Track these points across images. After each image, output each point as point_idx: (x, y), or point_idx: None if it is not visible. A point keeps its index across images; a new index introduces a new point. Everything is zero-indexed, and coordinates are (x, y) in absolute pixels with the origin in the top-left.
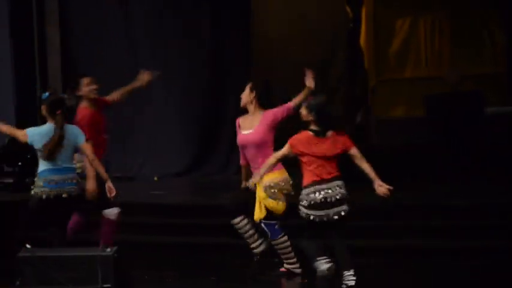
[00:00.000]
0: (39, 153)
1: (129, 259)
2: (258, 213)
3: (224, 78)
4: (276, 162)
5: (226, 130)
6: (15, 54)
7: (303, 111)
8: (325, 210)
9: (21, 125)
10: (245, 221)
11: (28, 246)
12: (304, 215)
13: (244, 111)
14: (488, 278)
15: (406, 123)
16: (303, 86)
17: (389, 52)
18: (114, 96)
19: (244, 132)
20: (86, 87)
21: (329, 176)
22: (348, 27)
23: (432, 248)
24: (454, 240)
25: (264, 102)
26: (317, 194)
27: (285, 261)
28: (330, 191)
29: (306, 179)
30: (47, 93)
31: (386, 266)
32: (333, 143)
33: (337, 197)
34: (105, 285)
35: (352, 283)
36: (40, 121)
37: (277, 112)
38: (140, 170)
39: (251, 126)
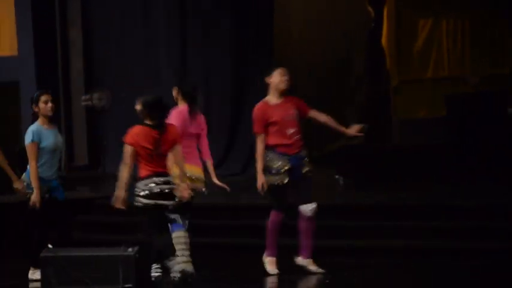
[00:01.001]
0: None
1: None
2: None
3: (243, 78)
4: (129, 166)
5: (245, 130)
6: (38, 56)
7: (138, 106)
8: (162, 201)
9: None
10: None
11: (50, 246)
12: (141, 204)
13: None
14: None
15: (428, 123)
16: (323, 85)
17: (411, 52)
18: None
19: None
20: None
21: (164, 170)
22: (369, 27)
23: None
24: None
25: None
26: (153, 185)
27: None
28: (165, 183)
29: (143, 172)
30: None
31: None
32: (166, 138)
33: (170, 190)
34: (126, 285)
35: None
36: (65, 120)
37: None
38: None
39: None
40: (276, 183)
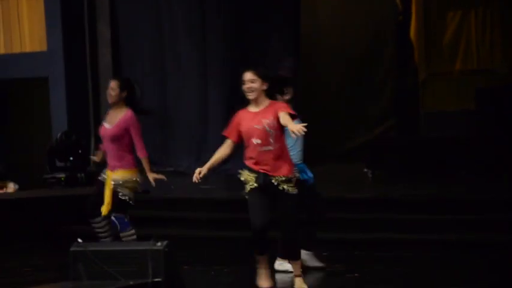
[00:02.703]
0: None
1: (178, 253)
2: (107, 207)
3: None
4: None
5: None
6: (67, 51)
7: None
8: None
9: (74, 119)
10: (104, 221)
11: (80, 240)
12: None
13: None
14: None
15: (457, 116)
16: (352, 77)
17: (440, 45)
18: None
19: (106, 125)
20: None
21: None
22: (397, 19)
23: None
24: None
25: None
26: None
27: None
28: None
29: None
30: None
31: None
32: None
33: None
34: (155, 279)
35: None
36: (93, 115)
37: (132, 127)
38: (191, 164)
39: (113, 122)
40: None
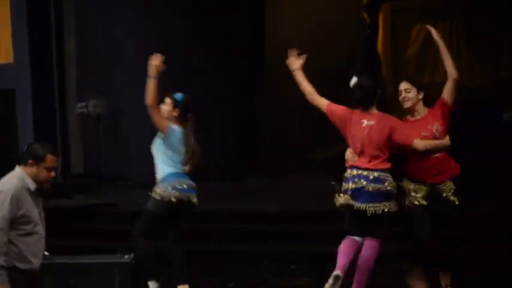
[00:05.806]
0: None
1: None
2: None
3: (234, 81)
4: None
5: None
6: (34, 64)
7: None
8: None
9: (41, 131)
10: None
11: (46, 253)
12: None
13: None
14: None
15: None
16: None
17: (407, 58)
18: None
19: None
20: None
21: None
22: (364, 33)
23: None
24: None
25: None
26: None
27: None
28: None
29: None
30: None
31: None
32: None
33: None
34: None
35: None
36: (60, 128)
37: None
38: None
39: None
40: None
